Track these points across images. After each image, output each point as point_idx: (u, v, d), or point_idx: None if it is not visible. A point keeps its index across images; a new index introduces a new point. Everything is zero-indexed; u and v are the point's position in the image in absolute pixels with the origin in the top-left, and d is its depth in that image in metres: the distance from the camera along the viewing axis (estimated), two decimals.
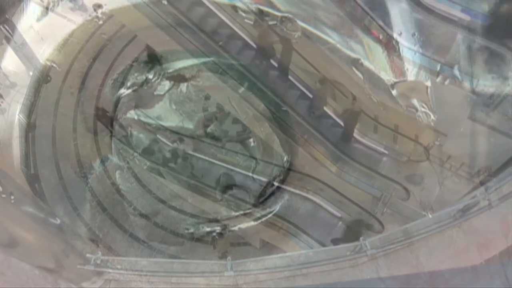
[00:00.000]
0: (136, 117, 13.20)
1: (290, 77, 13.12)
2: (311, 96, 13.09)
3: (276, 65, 13.21)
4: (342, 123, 13.00)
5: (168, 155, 12.91)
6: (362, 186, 12.14)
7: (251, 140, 13.15)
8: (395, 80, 12.28)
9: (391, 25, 11.69)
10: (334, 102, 12.99)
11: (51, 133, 12.25)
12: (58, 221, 10.62)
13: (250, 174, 12.73)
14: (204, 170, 12.77)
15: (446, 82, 11.65)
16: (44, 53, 12.98)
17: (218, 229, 11.97)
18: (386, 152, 12.60)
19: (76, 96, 12.88)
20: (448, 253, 8.35)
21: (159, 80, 13.64)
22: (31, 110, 12.28)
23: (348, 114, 12.85)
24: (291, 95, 13.07)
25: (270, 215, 12.20)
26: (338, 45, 12.75)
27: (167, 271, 8.64)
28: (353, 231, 11.49)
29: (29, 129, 12.05)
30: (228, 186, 12.64)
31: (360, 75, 12.60)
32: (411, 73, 11.95)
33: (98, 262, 8.30)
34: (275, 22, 13.09)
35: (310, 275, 8.37)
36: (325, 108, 13.06)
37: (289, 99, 12.95)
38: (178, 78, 13.70)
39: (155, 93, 13.55)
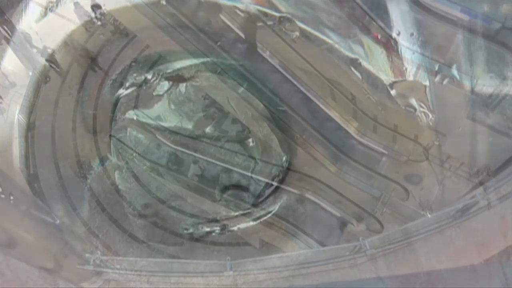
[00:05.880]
0: (135, 117, 13.19)
1: (289, 77, 13.11)
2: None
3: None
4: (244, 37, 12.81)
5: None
6: (362, 186, 12.13)
7: (250, 140, 13.15)
8: (394, 79, 12.27)
9: (390, 25, 11.69)
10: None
11: (51, 133, 12.24)
12: (57, 221, 10.60)
13: (249, 174, 12.72)
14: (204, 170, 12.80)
15: (445, 82, 11.66)
16: (43, 53, 12.98)
17: (217, 229, 11.96)
18: (385, 152, 12.59)
19: (75, 96, 12.88)
20: (447, 253, 8.35)
21: (158, 81, 13.64)
22: (30, 110, 12.29)
23: (246, 25, 12.58)
24: (290, 95, 13.05)
25: (269, 215, 12.20)
26: (337, 46, 12.75)
27: (166, 271, 8.64)
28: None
29: (29, 129, 12.05)
30: (227, 186, 12.64)
31: (358, 74, 12.60)
32: (410, 72, 11.95)
33: (98, 262, 8.29)
34: (273, 22, 13.09)
35: (309, 275, 8.37)
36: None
37: (288, 99, 12.94)
38: (177, 78, 13.70)
39: (154, 93, 13.54)
